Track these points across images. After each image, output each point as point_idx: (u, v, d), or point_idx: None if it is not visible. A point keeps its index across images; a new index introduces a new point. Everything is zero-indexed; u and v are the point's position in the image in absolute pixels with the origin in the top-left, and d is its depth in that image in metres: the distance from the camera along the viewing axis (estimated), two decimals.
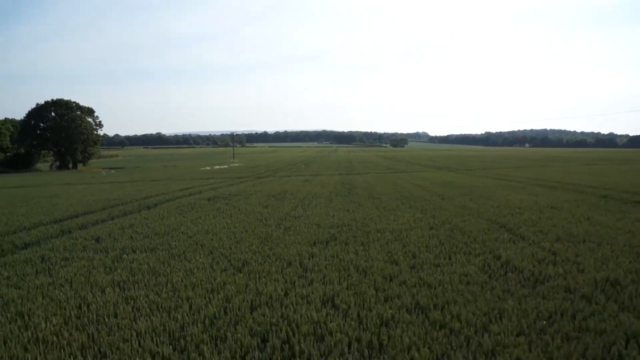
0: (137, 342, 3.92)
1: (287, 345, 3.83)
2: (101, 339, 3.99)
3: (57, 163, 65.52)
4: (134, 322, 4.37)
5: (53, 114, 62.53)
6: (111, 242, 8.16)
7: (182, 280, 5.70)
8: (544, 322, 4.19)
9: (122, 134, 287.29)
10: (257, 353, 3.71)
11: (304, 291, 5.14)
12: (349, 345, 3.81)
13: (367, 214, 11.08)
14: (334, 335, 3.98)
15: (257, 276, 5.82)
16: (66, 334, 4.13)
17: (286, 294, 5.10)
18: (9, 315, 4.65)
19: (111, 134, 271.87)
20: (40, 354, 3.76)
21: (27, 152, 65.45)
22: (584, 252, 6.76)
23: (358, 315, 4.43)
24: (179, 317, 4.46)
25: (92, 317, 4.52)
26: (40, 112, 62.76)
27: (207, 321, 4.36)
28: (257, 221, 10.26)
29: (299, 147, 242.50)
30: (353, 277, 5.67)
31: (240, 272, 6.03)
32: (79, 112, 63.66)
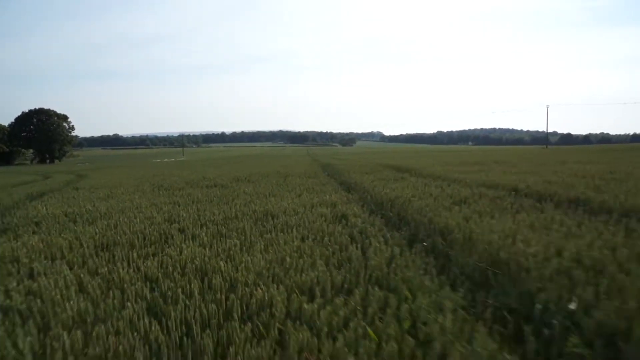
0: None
1: None
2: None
3: (37, 159, 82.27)
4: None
5: (35, 120, 79.54)
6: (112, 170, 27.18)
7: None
8: None
9: (80, 135, 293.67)
10: None
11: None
12: None
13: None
14: None
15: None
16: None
17: None
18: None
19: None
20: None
21: (10, 150, 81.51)
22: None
23: None
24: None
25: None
26: (25, 119, 79.74)
27: None
28: (158, 167, 29.42)
29: (253, 146, 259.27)
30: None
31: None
32: (56, 118, 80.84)
